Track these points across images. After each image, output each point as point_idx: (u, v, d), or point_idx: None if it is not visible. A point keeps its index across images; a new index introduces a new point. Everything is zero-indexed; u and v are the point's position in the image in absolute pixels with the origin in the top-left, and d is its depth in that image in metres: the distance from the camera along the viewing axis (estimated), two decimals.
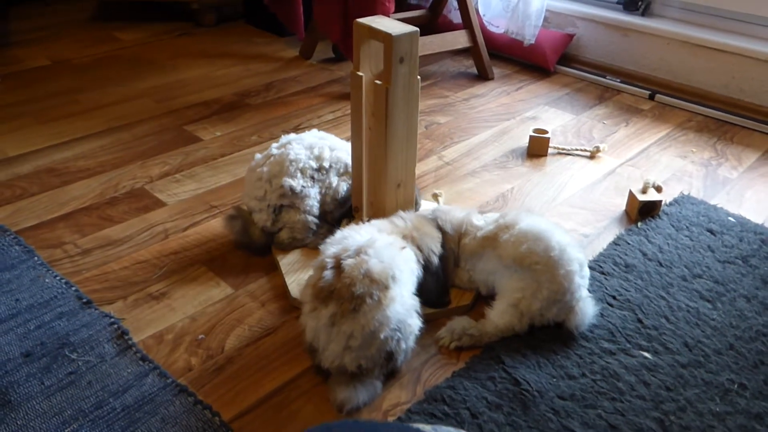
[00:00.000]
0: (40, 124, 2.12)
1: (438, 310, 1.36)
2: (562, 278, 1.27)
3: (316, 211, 1.53)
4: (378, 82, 1.31)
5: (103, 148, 1.99)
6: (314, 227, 1.52)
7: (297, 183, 1.49)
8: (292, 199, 1.49)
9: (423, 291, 1.27)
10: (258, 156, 1.56)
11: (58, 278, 1.44)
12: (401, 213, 1.39)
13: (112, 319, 1.33)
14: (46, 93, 2.34)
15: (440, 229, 1.38)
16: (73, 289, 1.41)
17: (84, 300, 1.38)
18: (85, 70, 2.56)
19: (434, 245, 1.34)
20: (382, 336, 1.13)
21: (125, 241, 1.59)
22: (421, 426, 0.72)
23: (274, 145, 1.56)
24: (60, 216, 1.67)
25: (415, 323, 1.20)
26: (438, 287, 1.34)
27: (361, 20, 1.30)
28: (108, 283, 1.45)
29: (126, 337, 1.29)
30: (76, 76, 2.50)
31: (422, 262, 1.29)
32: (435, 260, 1.32)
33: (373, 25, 1.28)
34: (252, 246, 1.54)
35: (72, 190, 1.78)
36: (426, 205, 1.66)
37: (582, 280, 1.31)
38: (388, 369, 1.20)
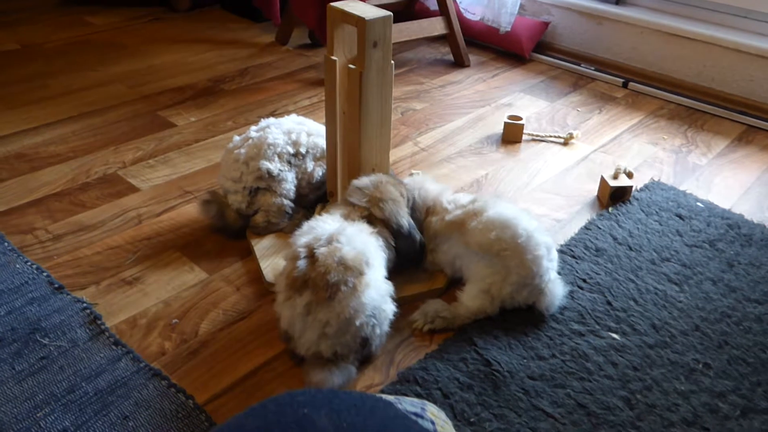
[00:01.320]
0: (9, 110, 2.08)
1: (412, 294, 1.37)
2: (530, 263, 1.29)
3: (292, 195, 1.53)
4: (352, 66, 1.31)
5: (74, 134, 1.97)
6: (290, 211, 1.53)
7: (274, 166, 1.49)
8: (268, 182, 1.49)
9: (400, 256, 1.27)
10: (236, 138, 1.56)
11: (29, 264, 1.43)
12: (355, 181, 1.34)
13: (85, 304, 1.33)
14: (16, 78, 2.30)
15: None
16: (45, 274, 1.40)
17: (56, 285, 1.37)
18: (56, 54, 2.52)
19: (399, 209, 1.32)
20: (357, 323, 1.14)
21: (98, 226, 1.57)
22: (383, 396, 0.73)
23: (253, 128, 1.56)
24: (30, 202, 1.65)
25: (390, 308, 1.21)
26: (413, 248, 1.33)
27: (334, 4, 1.30)
28: (80, 268, 1.44)
29: (99, 322, 1.29)
30: (46, 60, 2.46)
31: (391, 239, 1.30)
32: (404, 223, 1.31)
33: (347, 9, 1.28)
34: (228, 229, 1.54)
35: (42, 175, 1.76)
36: None
37: (550, 263, 1.33)
38: (363, 354, 1.21)
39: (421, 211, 1.41)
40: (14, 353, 1.21)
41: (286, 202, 1.52)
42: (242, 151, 1.50)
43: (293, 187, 1.53)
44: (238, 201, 1.50)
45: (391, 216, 1.30)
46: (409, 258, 1.34)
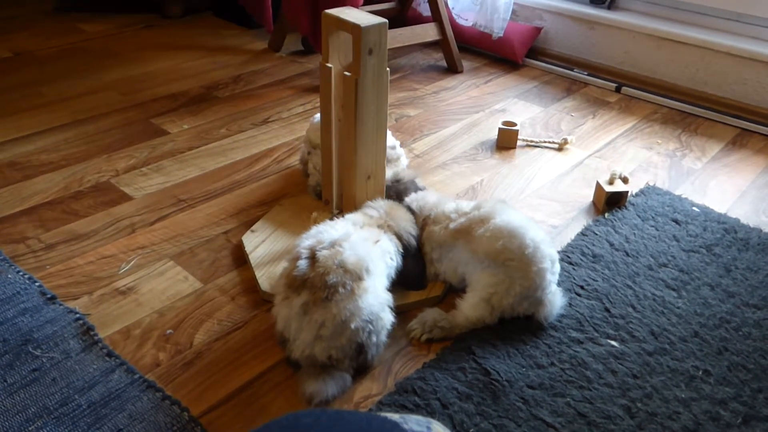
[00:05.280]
0: (1, 117, 2.06)
1: (409, 302, 1.36)
2: (534, 275, 1.27)
3: None
4: (347, 73, 1.30)
5: (67, 142, 1.95)
6: None
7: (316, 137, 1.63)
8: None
9: (404, 275, 1.28)
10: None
11: (21, 273, 1.41)
12: (370, 203, 1.39)
13: (78, 315, 1.31)
14: (8, 85, 2.28)
15: (411, 210, 1.41)
16: (37, 284, 1.38)
17: (48, 296, 1.35)
18: (49, 62, 2.50)
19: (411, 227, 1.36)
20: (352, 326, 1.13)
21: (90, 235, 1.56)
22: (388, 415, 0.72)
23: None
24: (22, 210, 1.63)
25: (388, 318, 1.20)
26: (418, 268, 1.35)
27: (329, 11, 1.29)
28: (73, 278, 1.42)
29: (92, 333, 1.27)
30: (39, 68, 2.44)
31: (401, 249, 1.31)
32: (414, 242, 1.35)
33: (342, 16, 1.28)
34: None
35: (34, 184, 1.74)
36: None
37: (553, 276, 1.32)
38: (359, 362, 1.20)
39: (419, 221, 1.41)
40: (6, 365, 1.19)
41: None
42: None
43: None
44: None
45: (403, 232, 1.33)
46: (410, 280, 1.35)
